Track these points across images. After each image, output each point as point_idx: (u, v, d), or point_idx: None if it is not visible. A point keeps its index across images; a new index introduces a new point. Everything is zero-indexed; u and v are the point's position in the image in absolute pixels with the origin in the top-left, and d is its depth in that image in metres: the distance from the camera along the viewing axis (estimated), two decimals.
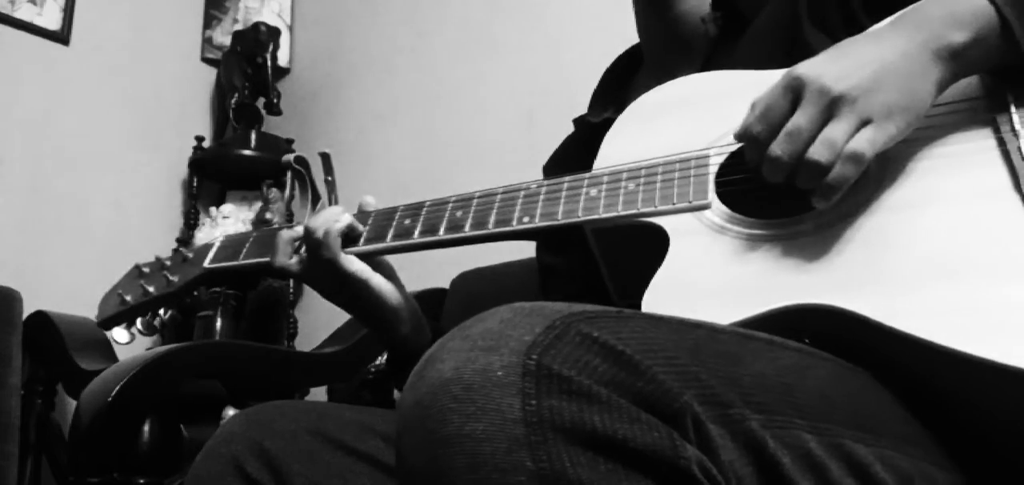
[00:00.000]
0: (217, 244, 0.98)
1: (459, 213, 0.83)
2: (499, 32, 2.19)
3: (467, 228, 0.81)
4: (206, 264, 0.95)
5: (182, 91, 2.65)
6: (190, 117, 2.64)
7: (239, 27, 2.64)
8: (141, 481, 1.61)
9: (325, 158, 0.95)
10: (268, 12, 2.67)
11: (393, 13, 2.46)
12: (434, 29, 2.35)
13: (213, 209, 2.49)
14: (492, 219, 0.81)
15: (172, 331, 2.30)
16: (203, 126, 2.66)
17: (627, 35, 1.05)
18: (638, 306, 0.65)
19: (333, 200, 0.95)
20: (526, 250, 1.46)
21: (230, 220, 2.34)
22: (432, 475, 0.45)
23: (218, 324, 2.21)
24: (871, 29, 0.68)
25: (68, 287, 2.17)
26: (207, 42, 2.73)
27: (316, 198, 0.94)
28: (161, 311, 0.99)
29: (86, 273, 2.28)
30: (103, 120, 2.43)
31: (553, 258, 0.99)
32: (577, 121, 1.05)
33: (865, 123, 0.62)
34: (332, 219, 0.84)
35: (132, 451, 1.71)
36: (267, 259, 0.91)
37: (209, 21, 2.74)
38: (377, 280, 0.85)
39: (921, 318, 0.56)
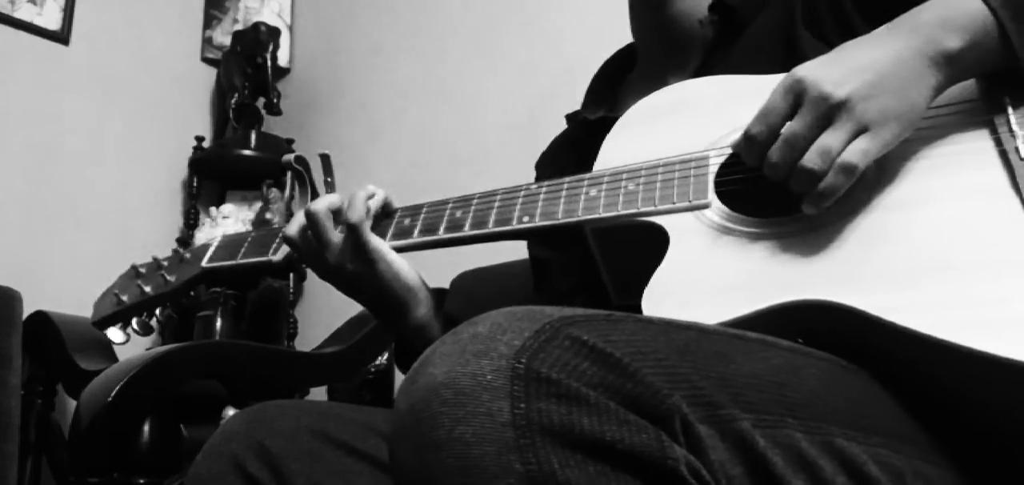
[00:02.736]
0: (215, 243, 0.98)
1: (459, 213, 0.84)
2: (501, 32, 2.19)
3: (467, 228, 0.82)
4: (204, 264, 0.96)
5: (182, 91, 2.65)
6: (190, 117, 2.64)
7: (239, 27, 2.64)
8: (141, 481, 1.61)
9: (325, 159, 0.96)
10: (268, 12, 2.67)
11: (393, 13, 2.47)
12: (435, 29, 2.35)
13: (213, 209, 2.49)
14: (492, 219, 0.81)
15: (172, 331, 2.30)
16: (203, 126, 2.66)
17: (629, 34, 1.05)
18: (638, 305, 0.66)
19: None
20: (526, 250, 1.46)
21: (230, 220, 2.34)
22: (424, 479, 0.46)
23: (218, 324, 2.22)
24: (868, 35, 0.69)
25: (68, 287, 2.17)
26: (207, 42, 2.73)
27: (315, 198, 0.95)
28: (157, 311, 0.99)
29: (86, 273, 2.27)
30: (103, 120, 2.43)
31: (547, 252, 0.99)
32: (570, 117, 1.05)
33: (862, 130, 0.62)
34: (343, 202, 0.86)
35: (132, 451, 1.71)
36: (266, 257, 0.91)
37: (209, 21, 2.75)
38: (392, 256, 0.86)
39: (918, 313, 0.56)
